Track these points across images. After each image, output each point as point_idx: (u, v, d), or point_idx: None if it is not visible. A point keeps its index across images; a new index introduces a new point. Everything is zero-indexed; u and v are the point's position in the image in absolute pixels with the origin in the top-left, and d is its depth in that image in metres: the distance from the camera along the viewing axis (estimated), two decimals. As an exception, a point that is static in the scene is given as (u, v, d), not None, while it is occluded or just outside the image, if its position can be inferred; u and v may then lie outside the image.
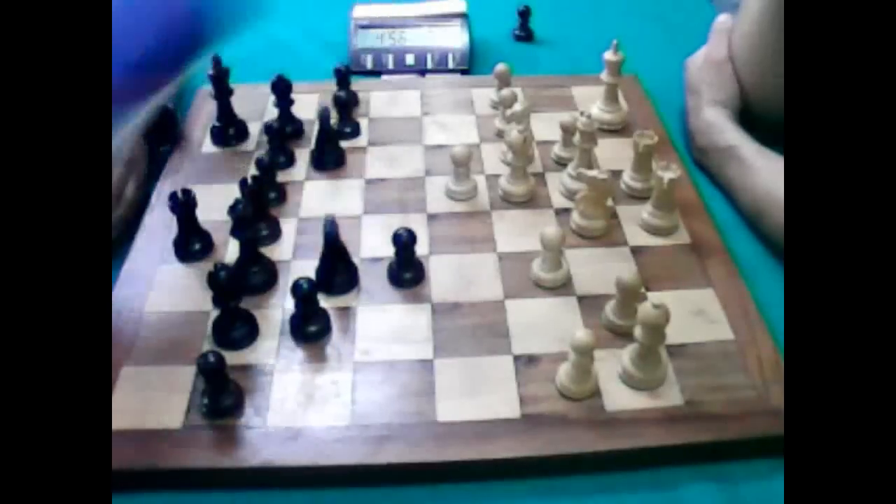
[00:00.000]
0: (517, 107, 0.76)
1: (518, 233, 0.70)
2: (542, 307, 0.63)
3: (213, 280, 0.57)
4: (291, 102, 0.82)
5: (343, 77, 0.85)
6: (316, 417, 0.55)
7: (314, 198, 0.75)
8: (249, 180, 0.67)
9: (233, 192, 0.68)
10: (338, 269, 0.64)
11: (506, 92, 0.80)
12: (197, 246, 0.68)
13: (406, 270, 0.65)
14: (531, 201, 0.74)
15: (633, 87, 0.90)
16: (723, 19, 0.83)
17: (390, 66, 0.96)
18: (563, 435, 0.53)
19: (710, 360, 0.58)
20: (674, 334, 0.57)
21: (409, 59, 0.97)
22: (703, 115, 0.79)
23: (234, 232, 0.63)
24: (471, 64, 0.97)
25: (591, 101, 0.85)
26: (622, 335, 0.60)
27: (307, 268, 0.65)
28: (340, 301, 0.64)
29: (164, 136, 0.81)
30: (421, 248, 0.66)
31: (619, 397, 0.56)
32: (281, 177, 0.76)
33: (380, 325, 0.62)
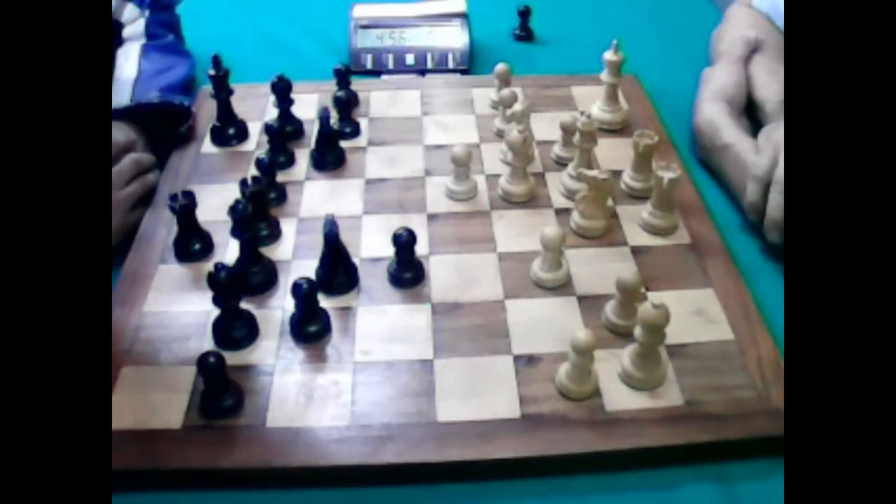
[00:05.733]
0: (517, 107, 0.76)
1: (518, 233, 0.70)
2: (542, 307, 0.63)
3: (213, 280, 0.57)
4: (291, 102, 0.82)
5: (343, 77, 0.85)
6: (316, 417, 0.55)
7: (314, 198, 0.75)
8: (249, 180, 0.67)
9: (233, 192, 0.68)
10: (338, 269, 0.64)
11: (506, 92, 0.80)
12: (197, 246, 0.68)
13: (406, 270, 0.65)
14: (531, 201, 0.74)
15: (633, 87, 0.90)
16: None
17: (390, 66, 0.96)
18: (563, 435, 0.53)
19: (710, 360, 0.58)
20: (674, 334, 0.57)
21: (409, 59, 0.97)
22: (704, 111, 0.78)
23: (234, 232, 0.62)
24: (471, 64, 0.97)
25: (591, 101, 0.85)
26: (622, 335, 0.60)
27: (307, 268, 0.65)
28: (340, 301, 0.64)
29: (175, 129, 0.82)
30: (421, 248, 0.66)
31: (619, 397, 0.56)
32: (281, 177, 0.76)
33: (380, 325, 0.62)
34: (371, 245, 0.69)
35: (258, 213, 0.67)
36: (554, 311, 0.63)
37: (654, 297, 0.54)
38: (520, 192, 0.74)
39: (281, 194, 0.74)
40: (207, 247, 0.69)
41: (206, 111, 0.85)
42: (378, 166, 0.79)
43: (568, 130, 0.77)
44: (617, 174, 0.75)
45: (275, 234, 0.70)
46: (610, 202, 0.72)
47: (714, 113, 0.77)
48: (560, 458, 0.53)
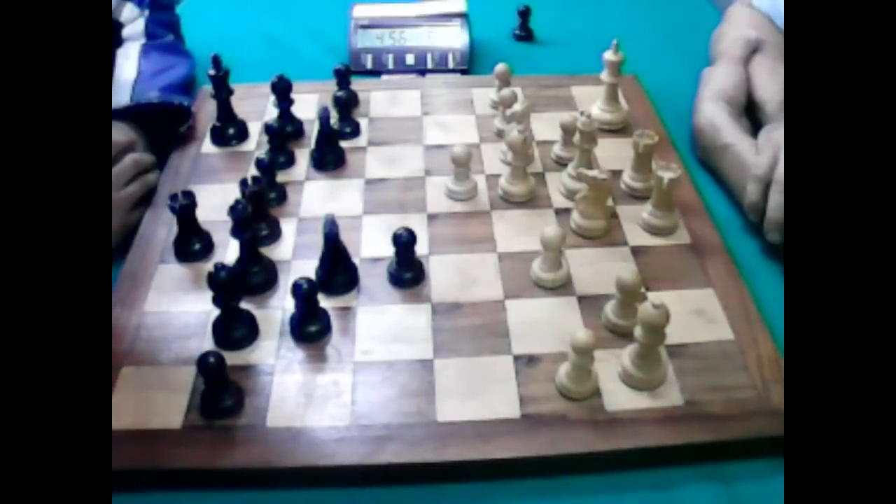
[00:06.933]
0: (517, 107, 0.76)
1: (518, 233, 0.70)
2: (542, 307, 0.63)
3: (213, 280, 0.57)
4: (291, 102, 0.82)
5: (343, 77, 0.85)
6: (316, 417, 0.55)
7: (314, 198, 0.75)
8: (249, 180, 0.67)
9: (233, 192, 0.68)
10: (338, 269, 0.64)
11: (506, 92, 0.80)
12: (197, 246, 0.68)
13: (406, 270, 0.65)
14: (531, 201, 0.74)
15: (633, 87, 0.90)
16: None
17: (390, 66, 0.96)
18: (563, 435, 0.53)
19: (710, 360, 0.58)
20: (674, 334, 0.57)
21: (409, 59, 0.97)
22: (704, 111, 0.78)
23: (234, 232, 0.63)
24: (471, 64, 0.97)
25: (591, 101, 0.85)
26: (622, 335, 0.60)
27: (307, 268, 0.65)
28: (340, 301, 0.64)
29: (175, 129, 0.82)
30: (421, 248, 0.66)
31: (619, 397, 0.56)
32: (281, 177, 0.76)
33: (380, 325, 0.62)
34: (371, 245, 0.69)
35: (258, 213, 0.67)
36: (554, 311, 0.63)
37: (654, 297, 0.54)
38: (520, 192, 0.74)
39: (281, 194, 0.74)
40: (207, 247, 0.69)
41: (206, 111, 0.85)
42: (378, 166, 0.79)
43: (568, 130, 0.77)
44: (617, 174, 0.75)
45: (275, 234, 0.70)
46: (610, 202, 0.72)
47: (714, 113, 0.77)
48: (560, 458, 0.53)
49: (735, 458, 0.53)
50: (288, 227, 0.71)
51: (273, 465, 0.52)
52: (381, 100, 0.89)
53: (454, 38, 0.97)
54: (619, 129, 0.83)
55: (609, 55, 0.81)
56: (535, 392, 0.56)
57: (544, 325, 0.61)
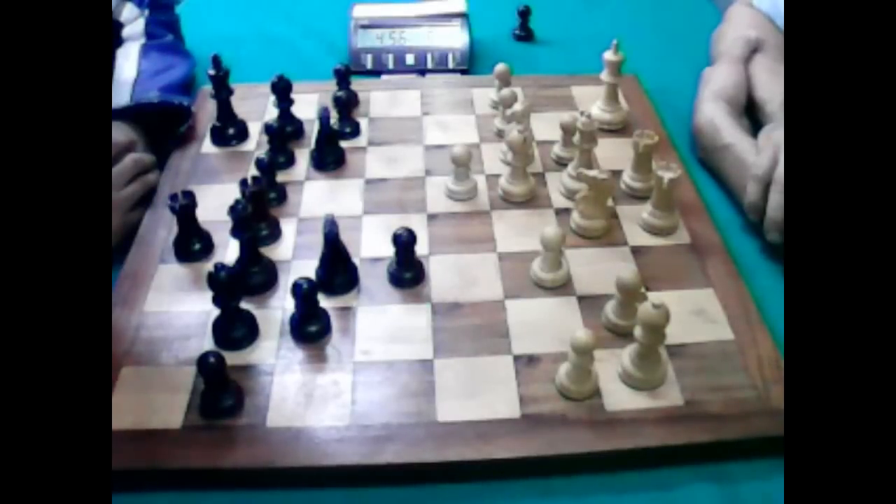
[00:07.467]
0: (517, 107, 0.76)
1: (518, 233, 0.70)
2: (542, 307, 0.63)
3: (213, 280, 0.57)
4: (291, 102, 0.82)
5: (343, 77, 0.85)
6: (316, 417, 0.55)
7: (314, 198, 0.75)
8: (249, 180, 0.67)
9: (233, 192, 0.68)
10: (338, 269, 0.64)
11: (506, 92, 0.80)
12: (197, 246, 0.68)
13: (406, 270, 0.65)
14: (531, 201, 0.74)
15: (633, 87, 0.90)
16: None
17: (390, 66, 0.96)
18: (563, 435, 0.53)
19: (710, 360, 0.58)
20: (674, 334, 0.57)
21: (409, 59, 0.97)
22: (704, 111, 0.78)
23: (234, 232, 0.63)
24: (471, 64, 0.97)
25: (591, 101, 0.85)
26: (622, 335, 0.60)
27: (307, 268, 0.65)
28: (340, 301, 0.64)
29: (175, 129, 0.82)
30: (421, 248, 0.66)
31: (619, 397, 0.56)
32: (281, 177, 0.76)
33: (380, 325, 0.62)
34: (371, 245, 0.69)
35: (258, 213, 0.67)
36: (554, 311, 0.63)
37: (654, 297, 0.54)
38: (520, 192, 0.74)
39: (281, 194, 0.74)
40: (207, 247, 0.69)
41: (206, 111, 0.85)
42: (378, 166, 0.79)
43: (568, 130, 0.77)
44: (617, 174, 0.75)
45: (275, 234, 0.70)
46: (610, 202, 0.72)
47: (714, 113, 0.77)
48: (560, 458, 0.53)
49: (735, 458, 0.53)
50: (288, 227, 0.71)
51: (273, 465, 0.52)
52: (381, 100, 0.89)
53: (454, 38, 0.97)
54: (619, 129, 0.83)
55: (609, 55, 0.81)
56: (534, 392, 0.56)
57: (544, 325, 0.61)
